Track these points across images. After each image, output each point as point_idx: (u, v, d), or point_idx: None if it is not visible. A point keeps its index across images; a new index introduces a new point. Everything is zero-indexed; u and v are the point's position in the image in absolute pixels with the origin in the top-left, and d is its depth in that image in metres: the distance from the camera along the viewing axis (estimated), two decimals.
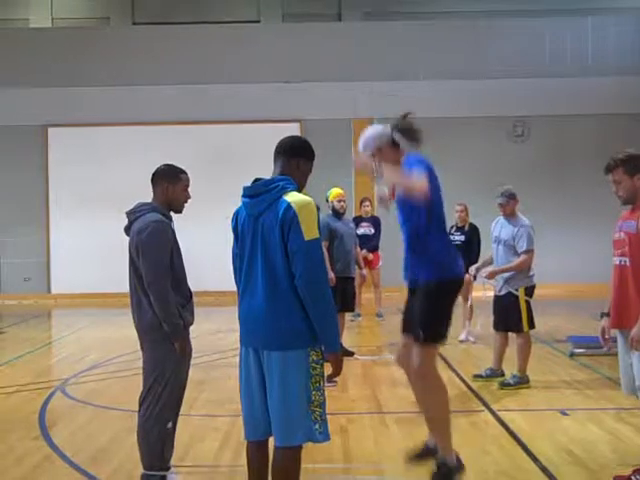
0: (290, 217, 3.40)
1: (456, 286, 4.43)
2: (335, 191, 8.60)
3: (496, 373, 7.43)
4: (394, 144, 4.45)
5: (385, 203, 4.64)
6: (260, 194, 3.54)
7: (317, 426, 3.48)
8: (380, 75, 15.94)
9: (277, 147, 3.68)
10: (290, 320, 3.44)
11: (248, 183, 3.65)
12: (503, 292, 7.15)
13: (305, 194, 3.58)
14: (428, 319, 4.30)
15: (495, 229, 7.33)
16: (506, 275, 7.10)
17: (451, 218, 9.64)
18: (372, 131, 4.55)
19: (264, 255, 3.48)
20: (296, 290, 3.42)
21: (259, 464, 3.65)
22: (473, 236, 9.68)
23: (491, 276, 7.24)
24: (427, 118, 16.00)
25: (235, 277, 3.72)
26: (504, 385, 7.10)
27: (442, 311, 4.36)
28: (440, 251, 4.37)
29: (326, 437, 3.53)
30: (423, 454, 4.51)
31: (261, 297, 3.49)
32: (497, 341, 7.44)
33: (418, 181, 4.11)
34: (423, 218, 4.34)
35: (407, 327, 4.50)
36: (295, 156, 3.65)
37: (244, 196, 3.62)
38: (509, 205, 7.18)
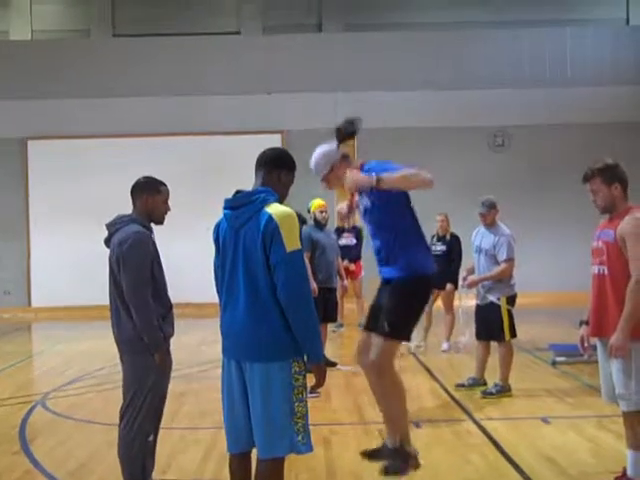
0: (272, 229, 3.40)
1: (428, 283, 4.49)
2: (317, 202, 8.60)
3: (478, 382, 7.45)
4: (344, 158, 4.50)
5: (346, 217, 4.82)
6: (241, 206, 3.54)
7: (300, 437, 3.47)
8: (361, 86, 16.01)
9: (258, 159, 3.69)
10: (272, 332, 3.43)
11: (229, 195, 3.65)
12: (485, 301, 7.19)
13: (287, 205, 3.58)
14: (396, 314, 4.35)
15: (476, 239, 7.37)
16: (487, 284, 7.14)
17: (432, 228, 9.65)
18: (319, 151, 4.53)
19: (245, 267, 3.48)
20: (278, 302, 3.42)
21: (242, 476, 3.63)
22: (454, 246, 9.68)
23: (472, 285, 7.27)
24: (408, 128, 16.36)
25: (217, 289, 3.72)
26: (486, 394, 7.12)
27: (411, 308, 4.41)
28: (417, 250, 4.45)
29: (309, 448, 3.52)
30: (380, 453, 4.53)
31: (243, 309, 3.49)
32: (479, 350, 7.47)
33: (418, 173, 4.19)
34: (408, 217, 4.45)
35: (371, 324, 4.53)
36: (277, 168, 3.66)
37: (225, 208, 3.62)
38: (490, 215, 7.23)
